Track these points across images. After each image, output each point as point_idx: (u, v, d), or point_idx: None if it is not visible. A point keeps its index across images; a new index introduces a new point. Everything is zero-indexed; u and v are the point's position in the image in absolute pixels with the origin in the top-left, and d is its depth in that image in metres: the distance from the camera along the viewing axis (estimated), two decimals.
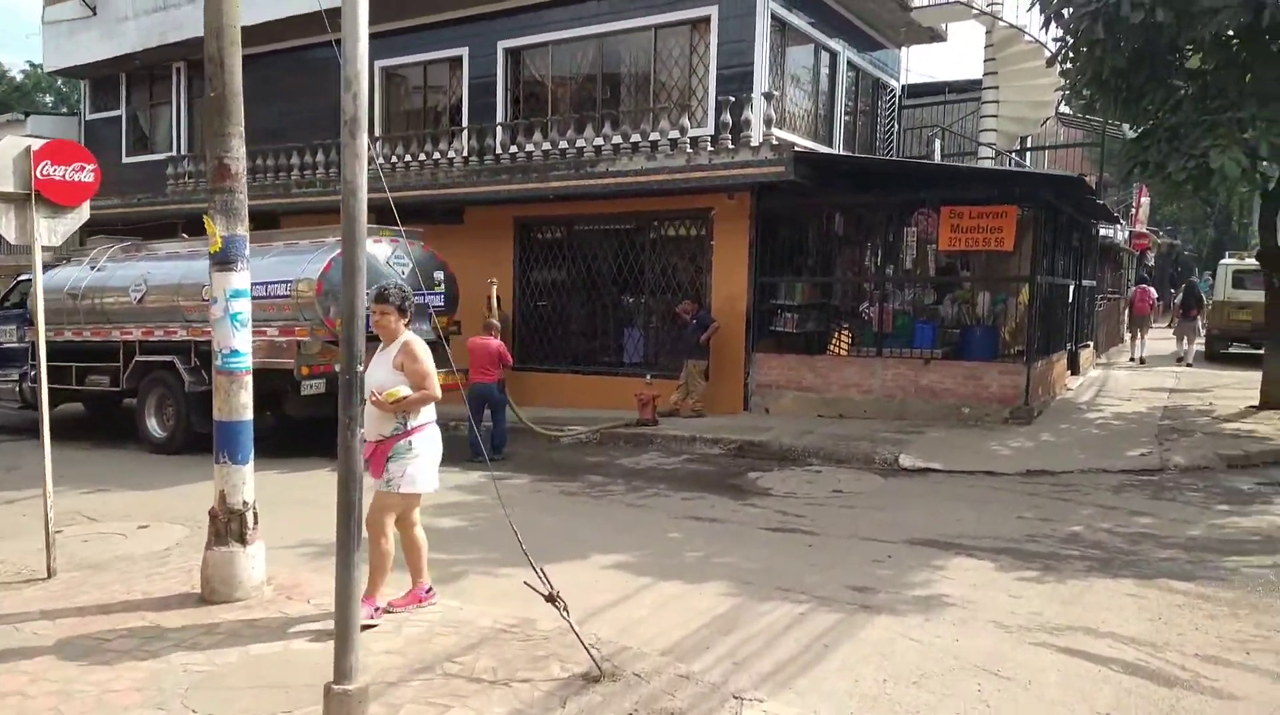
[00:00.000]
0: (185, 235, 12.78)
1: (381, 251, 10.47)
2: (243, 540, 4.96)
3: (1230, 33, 9.50)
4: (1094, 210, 14.22)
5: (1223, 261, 19.43)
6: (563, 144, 12.86)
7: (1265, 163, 9.47)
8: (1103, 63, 10.03)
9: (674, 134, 11.99)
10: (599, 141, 12.60)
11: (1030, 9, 11.06)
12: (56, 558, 5.64)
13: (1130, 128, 11.55)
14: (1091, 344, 16.97)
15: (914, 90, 19.46)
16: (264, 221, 11.96)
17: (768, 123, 11.44)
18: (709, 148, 11.71)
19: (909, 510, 7.71)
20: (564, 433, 11.14)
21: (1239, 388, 13.69)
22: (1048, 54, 16.12)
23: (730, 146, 11.53)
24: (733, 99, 11.73)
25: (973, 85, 18.75)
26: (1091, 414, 11.71)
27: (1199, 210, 42.76)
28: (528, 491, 8.66)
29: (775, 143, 11.25)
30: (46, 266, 13.44)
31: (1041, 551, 6.40)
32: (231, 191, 4.79)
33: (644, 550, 6.53)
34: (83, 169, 5.60)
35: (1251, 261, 18.69)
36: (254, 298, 10.43)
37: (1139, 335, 19.28)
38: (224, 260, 4.88)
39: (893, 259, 12.34)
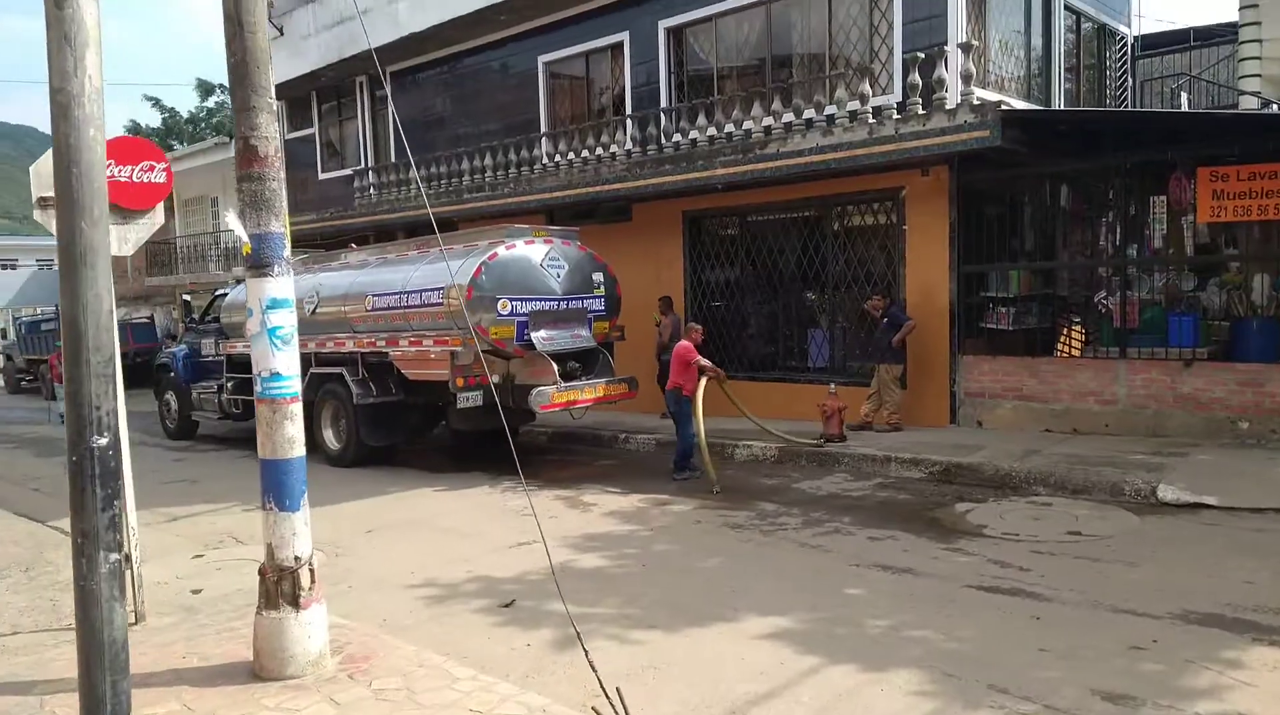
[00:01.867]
0: (354, 246, 12.66)
1: (536, 253, 9.72)
2: (295, 603, 4.09)
3: None
4: None
5: None
6: (729, 127, 11.58)
7: None
8: None
9: (853, 104, 10.38)
10: (768, 121, 11.21)
11: None
12: (144, 602, 5.10)
13: None
14: None
15: (1149, 42, 16.53)
16: (443, 229, 11.56)
17: (966, 79, 9.59)
18: (895, 116, 10.03)
19: (1177, 566, 5.83)
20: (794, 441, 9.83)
21: None
22: None
23: (921, 112, 9.80)
24: (922, 55, 9.97)
25: (1225, 30, 15.65)
26: None
27: None
28: (688, 522, 7.48)
29: (977, 103, 9.40)
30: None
31: None
32: (261, 179, 3.91)
33: (813, 612, 5.17)
34: (153, 169, 5.00)
35: None
36: (409, 307, 10.18)
37: None
38: (257, 264, 4.01)
39: (1136, 237, 10.10)
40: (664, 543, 6.81)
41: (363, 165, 18.03)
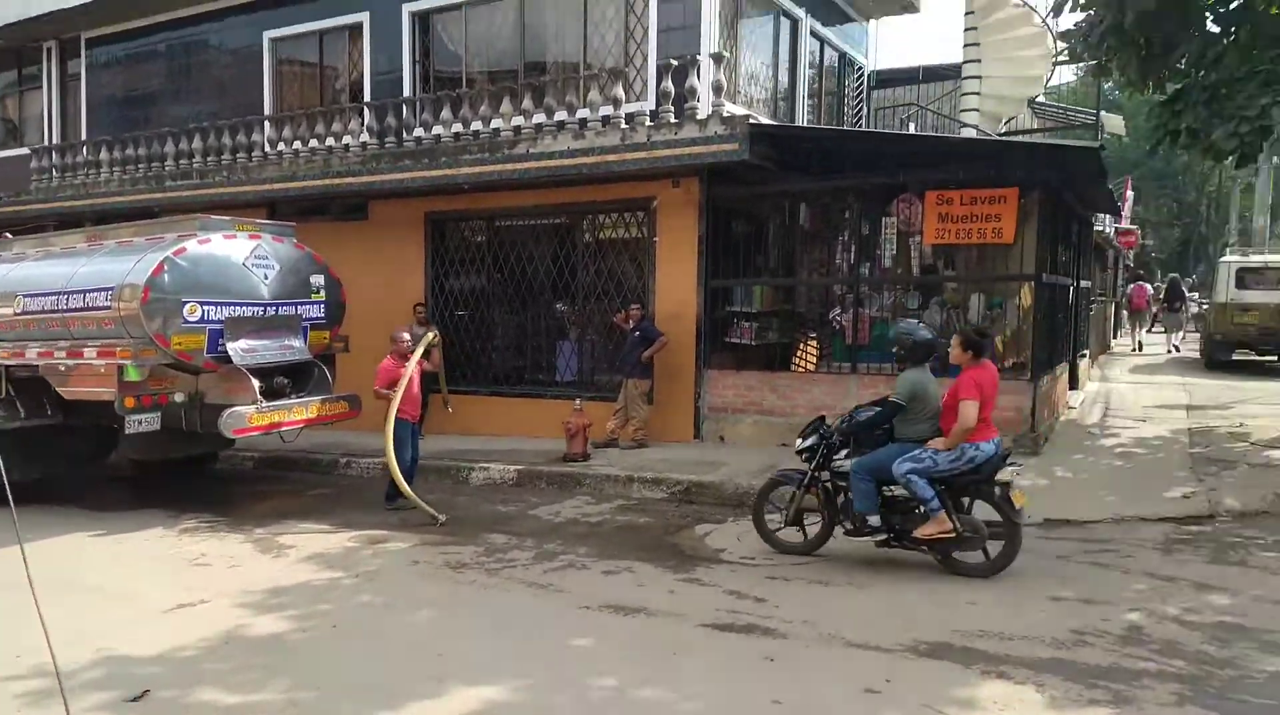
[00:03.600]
0: (8, 235, 10.50)
1: (238, 249, 8.36)
2: None
3: None
4: (1095, 199, 12.42)
5: (1224, 259, 17.76)
6: (476, 124, 10.77)
7: None
8: (1125, 6, 8.20)
9: (607, 109, 9.94)
10: (519, 120, 10.53)
11: None
12: None
13: (1153, 92, 9.71)
14: (1088, 353, 15.19)
15: (884, 78, 17.67)
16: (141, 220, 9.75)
17: (717, 91, 9.44)
18: (648, 123, 9.70)
19: (905, 587, 5.75)
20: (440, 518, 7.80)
21: (1263, 403, 11.93)
22: (1037, 19, 14.47)
23: (673, 120, 9.53)
24: (675, 63, 9.72)
25: (950, 71, 17.01)
26: (1107, 440, 9.81)
27: (1165, 211, 41.86)
28: (403, 563, 6.57)
29: (727, 115, 9.26)
30: None
31: (1102, 665, 4.46)
32: None
33: (532, 677, 4.48)
34: None
35: (1257, 258, 17.26)
36: (71, 311, 8.39)
37: (1138, 327, 21.77)
38: None
39: (869, 256, 10.41)
40: (369, 593, 5.86)
41: (45, 144, 15.38)
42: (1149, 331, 23.05)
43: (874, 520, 6.03)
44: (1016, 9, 14.19)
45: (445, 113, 10.97)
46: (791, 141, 10.05)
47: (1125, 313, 23.18)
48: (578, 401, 9.86)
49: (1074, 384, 12.89)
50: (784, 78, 12.46)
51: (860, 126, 15.00)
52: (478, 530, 7.40)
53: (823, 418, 6.74)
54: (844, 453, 6.26)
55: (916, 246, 10.26)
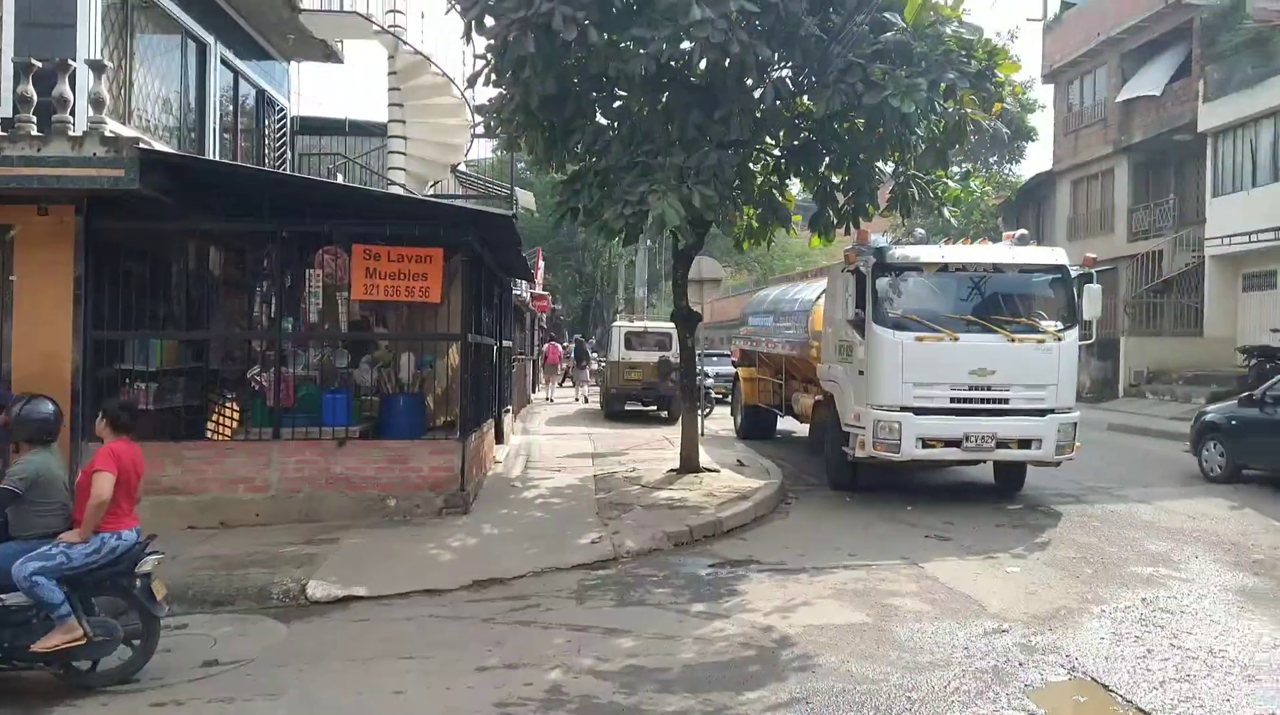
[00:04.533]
0: None
1: None
2: None
3: (655, 70, 9.05)
4: (512, 264, 13.35)
5: (615, 324, 20.72)
6: None
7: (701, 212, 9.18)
8: (529, 87, 8.87)
9: None
10: None
11: (446, 14, 9.55)
12: None
13: (556, 172, 10.71)
14: (511, 408, 16.25)
15: (310, 125, 17.07)
16: None
17: (98, 105, 7.88)
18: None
19: (325, 688, 5.11)
20: None
21: (650, 449, 13.86)
22: (456, 90, 15.21)
23: (35, 133, 7.69)
24: (39, 64, 7.89)
25: (378, 127, 17.09)
26: (529, 492, 10.39)
27: (569, 280, 48.18)
28: None
29: (110, 135, 7.76)
30: None
31: None
32: None
33: None
34: None
35: (640, 324, 20.53)
36: None
37: (551, 380, 25.56)
38: None
39: (293, 309, 9.60)
40: None
41: None
42: (561, 386, 26.37)
43: None
44: (437, 77, 14.76)
45: None
46: (197, 175, 8.83)
47: (541, 369, 26.51)
48: None
49: (500, 438, 13.59)
50: (192, 107, 11.12)
51: (285, 171, 14.12)
52: None
53: None
54: None
55: (345, 301, 9.77)
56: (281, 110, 14.56)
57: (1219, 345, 20.54)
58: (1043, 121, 33.23)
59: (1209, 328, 21.59)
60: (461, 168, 20.31)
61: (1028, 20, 30.38)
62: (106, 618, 5.18)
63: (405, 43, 14.03)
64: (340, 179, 14.82)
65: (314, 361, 9.67)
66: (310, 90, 34.03)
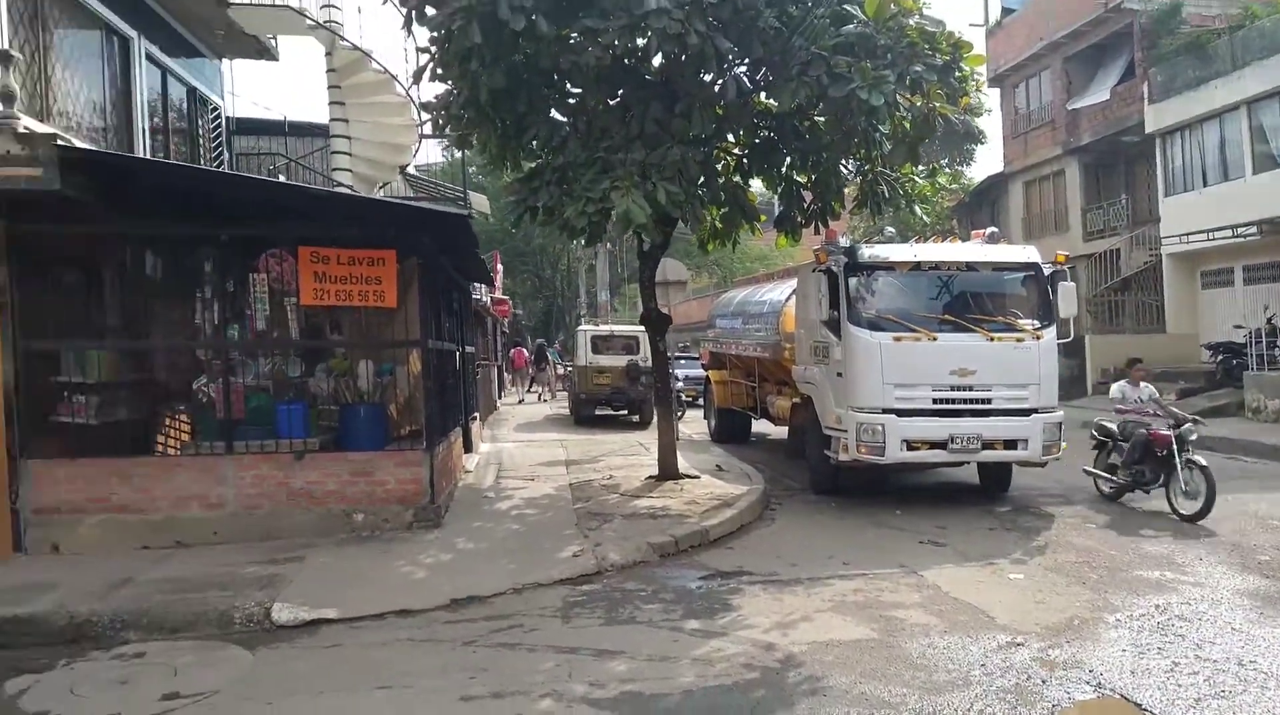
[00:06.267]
0: None
1: None
2: None
3: (609, 64, 8.70)
4: (470, 268, 12.87)
5: (581, 328, 20.31)
6: None
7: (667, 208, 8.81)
8: (478, 81, 8.46)
9: None
10: None
11: (385, 3, 9.09)
12: None
13: (512, 169, 10.28)
14: (479, 416, 15.74)
15: (247, 126, 16.38)
16: None
17: (8, 100, 7.26)
18: None
19: None
20: None
21: (623, 455, 13.51)
22: (400, 88, 14.64)
23: None
24: None
25: (320, 130, 16.44)
26: (502, 503, 9.93)
27: (528, 284, 47.50)
28: None
29: (24, 131, 7.14)
30: None
31: None
32: None
33: None
34: None
35: (606, 328, 20.15)
36: None
37: (519, 382, 27.46)
38: None
39: (238, 317, 9.02)
40: None
41: None
42: (529, 390, 27.51)
43: None
44: (379, 74, 14.18)
45: None
46: (122, 175, 8.20)
47: (508, 374, 27.61)
48: None
49: (468, 447, 13.10)
50: (117, 105, 10.45)
51: (221, 169, 13.46)
52: None
53: None
54: None
55: (294, 307, 9.21)
56: (215, 109, 13.88)
57: (1183, 342, 20.88)
58: (990, 125, 33.81)
59: (1171, 325, 21.95)
60: (411, 170, 19.73)
61: (970, 25, 30.71)
62: None
63: (343, 38, 13.44)
64: (282, 178, 14.17)
65: (265, 371, 9.10)
66: (247, 90, 33.00)
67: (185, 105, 12.77)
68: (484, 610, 6.40)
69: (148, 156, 10.80)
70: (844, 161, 10.53)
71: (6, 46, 7.76)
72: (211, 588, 6.65)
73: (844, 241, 10.42)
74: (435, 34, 8.63)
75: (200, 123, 13.23)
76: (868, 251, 10.11)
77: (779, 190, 10.88)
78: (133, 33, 10.71)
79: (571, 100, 9.67)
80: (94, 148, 9.30)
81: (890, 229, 14.15)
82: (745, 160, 10.68)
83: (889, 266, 9.86)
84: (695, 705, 4.75)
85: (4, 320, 7.74)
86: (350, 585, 6.76)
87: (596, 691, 4.93)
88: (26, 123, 7.31)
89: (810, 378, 10.53)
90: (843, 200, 10.83)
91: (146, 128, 11.06)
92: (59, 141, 7.31)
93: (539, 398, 25.87)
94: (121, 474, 8.08)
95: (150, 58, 11.27)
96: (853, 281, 9.65)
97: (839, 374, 9.68)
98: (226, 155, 14.18)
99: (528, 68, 8.85)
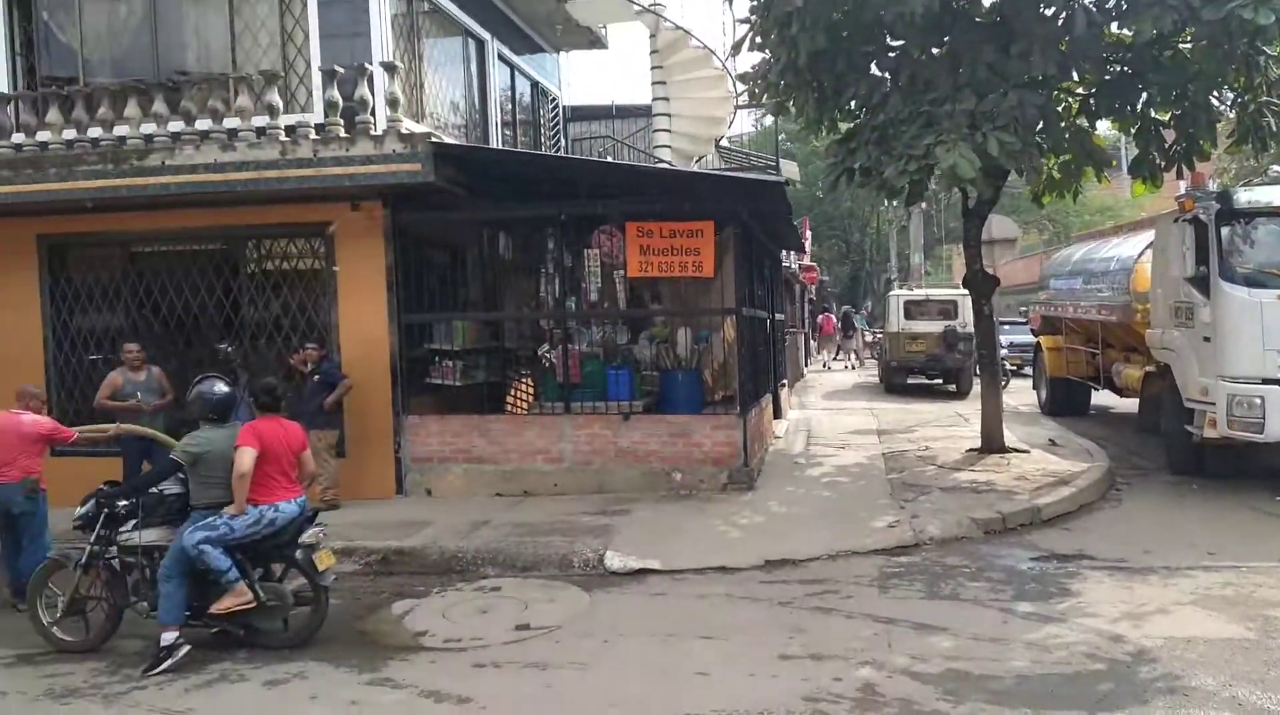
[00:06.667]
0: None
1: None
2: None
3: (936, 10, 8.19)
4: (781, 234, 12.90)
5: (892, 293, 19.63)
6: (95, 130, 8.80)
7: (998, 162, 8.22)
8: (798, 44, 8.35)
9: (261, 119, 8.50)
10: (150, 126, 8.73)
11: None
12: None
13: (829, 133, 10.12)
14: (787, 383, 15.87)
15: (579, 112, 17.63)
16: None
17: (393, 104, 8.44)
18: (313, 137, 8.42)
19: (630, 663, 5.05)
20: None
21: (938, 426, 12.93)
22: (717, 62, 14.96)
23: (344, 134, 8.36)
24: (341, 70, 8.56)
25: (642, 109, 17.29)
26: (814, 470, 9.95)
27: (835, 250, 46.67)
28: None
29: (406, 132, 8.27)
30: None
31: None
32: None
33: None
34: None
35: (921, 292, 19.29)
36: None
37: (825, 349, 26.43)
38: None
39: (575, 289, 9.86)
40: None
41: None
42: (835, 358, 26.71)
43: (169, 636, 5.18)
44: (697, 51, 14.55)
45: (53, 114, 8.89)
46: (482, 165, 9.25)
47: (815, 340, 27.37)
48: None
49: (777, 413, 13.25)
50: (474, 101, 11.72)
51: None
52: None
53: (117, 482, 5.87)
54: (132, 523, 5.48)
55: (622, 279, 9.86)
56: (554, 100, 15.08)
57: None
58: None
59: None
60: (724, 142, 20.15)
61: None
62: (281, 586, 5.50)
63: (665, 19, 13.97)
64: (610, 159, 15.12)
65: (596, 338, 9.86)
66: (576, 79, 35.52)
67: (529, 98, 14.06)
68: (798, 573, 6.47)
69: (500, 146, 12.08)
70: (1217, 93, 9.13)
71: (390, 58, 9.03)
72: (554, 533, 7.38)
73: (1212, 186, 9.02)
74: (755, 2, 8.69)
75: (541, 113, 14.50)
76: (1246, 195, 8.67)
77: (1134, 131, 9.68)
78: (486, 34, 11.95)
79: (892, 54, 9.30)
80: (459, 143, 10.58)
81: (1277, 168, 11.95)
82: (1092, 100, 9.61)
83: (1274, 212, 8.39)
84: (1031, 690, 4.45)
85: (390, 297, 9.10)
86: (671, 539, 7.16)
87: (919, 665, 4.79)
88: (407, 124, 8.49)
89: (1169, 343, 9.29)
90: (1214, 138, 9.39)
91: (499, 121, 12.34)
92: (433, 139, 8.40)
93: (845, 366, 25.38)
94: (481, 429, 9.19)
95: (501, 56, 12.52)
96: (1225, 231, 8.35)
97: (1206, 338, 8.44)
98: (563, 142, 15.40)
99: (847, 24, 8.64)
